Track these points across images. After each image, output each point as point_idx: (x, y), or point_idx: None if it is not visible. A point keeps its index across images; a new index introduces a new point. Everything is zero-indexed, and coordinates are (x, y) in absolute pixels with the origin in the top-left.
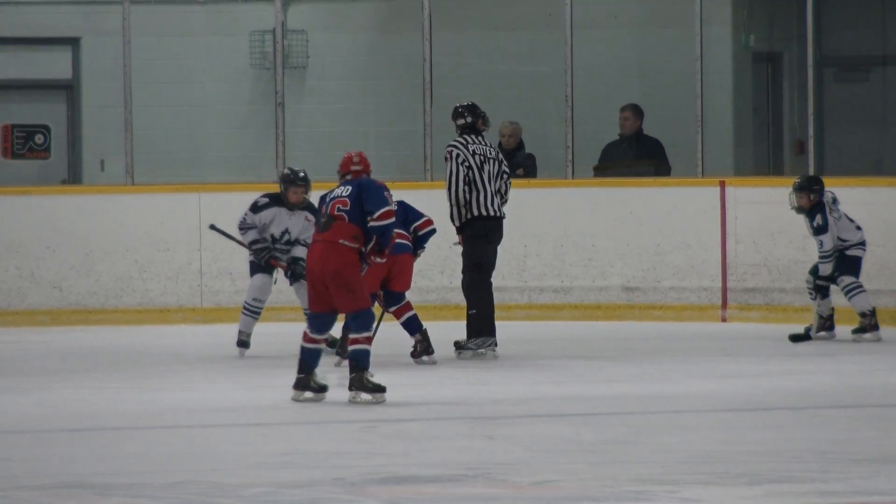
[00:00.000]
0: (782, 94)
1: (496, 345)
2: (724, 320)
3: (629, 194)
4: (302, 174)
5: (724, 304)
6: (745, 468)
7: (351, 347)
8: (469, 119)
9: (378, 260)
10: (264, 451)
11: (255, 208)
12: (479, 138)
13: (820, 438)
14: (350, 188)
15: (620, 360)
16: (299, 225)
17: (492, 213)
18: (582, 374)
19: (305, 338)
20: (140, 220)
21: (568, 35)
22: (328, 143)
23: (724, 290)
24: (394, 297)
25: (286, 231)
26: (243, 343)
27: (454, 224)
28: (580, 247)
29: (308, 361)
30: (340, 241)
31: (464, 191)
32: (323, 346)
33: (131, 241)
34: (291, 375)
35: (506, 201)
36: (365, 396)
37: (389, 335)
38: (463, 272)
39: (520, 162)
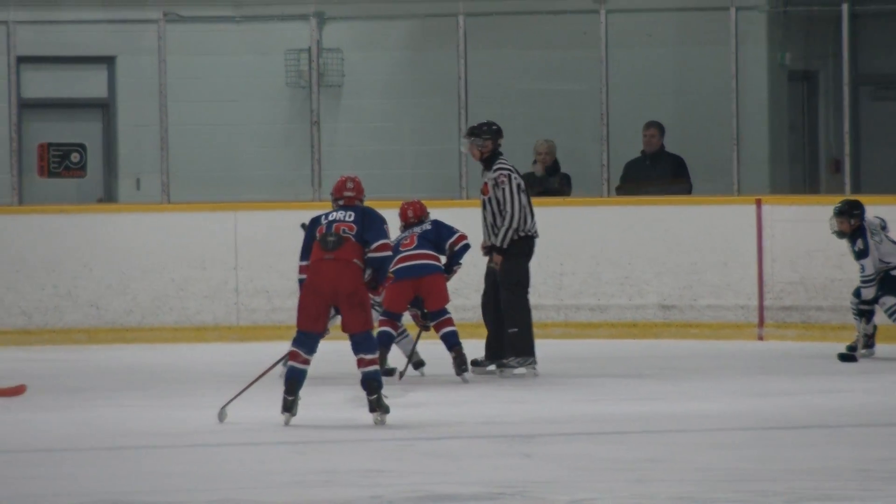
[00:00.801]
0: (818, 113)
1: (536, 363)
2: (760, 338)
3: (665, 213)
4: None
5: (761, 323)
6: (783, 486)
7: (366, 369)
8: (500, 141)
9: (373, 297)
10: (302, 470)
11: None
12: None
13: (858, 456)
14: (353, 214)
15: (657, 378)
16: None
17: (533, 233)
18: (618, 392)
19: (297, 358)
20: (176, 238)
21: (603, 53)
22: (364, 162)
23: (761, 308)
24: (434, 314)
25: None
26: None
27: (497, 245)
28: (616, 265)
29: (299, 382)
30: (354, 260)
31: (520, 218)
32: (308, 367)
33: (168, 260)
34: (331, 394)
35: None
36: (379, 418)
37: (427, 352)
38: (503, 290)
39: (556, 186)
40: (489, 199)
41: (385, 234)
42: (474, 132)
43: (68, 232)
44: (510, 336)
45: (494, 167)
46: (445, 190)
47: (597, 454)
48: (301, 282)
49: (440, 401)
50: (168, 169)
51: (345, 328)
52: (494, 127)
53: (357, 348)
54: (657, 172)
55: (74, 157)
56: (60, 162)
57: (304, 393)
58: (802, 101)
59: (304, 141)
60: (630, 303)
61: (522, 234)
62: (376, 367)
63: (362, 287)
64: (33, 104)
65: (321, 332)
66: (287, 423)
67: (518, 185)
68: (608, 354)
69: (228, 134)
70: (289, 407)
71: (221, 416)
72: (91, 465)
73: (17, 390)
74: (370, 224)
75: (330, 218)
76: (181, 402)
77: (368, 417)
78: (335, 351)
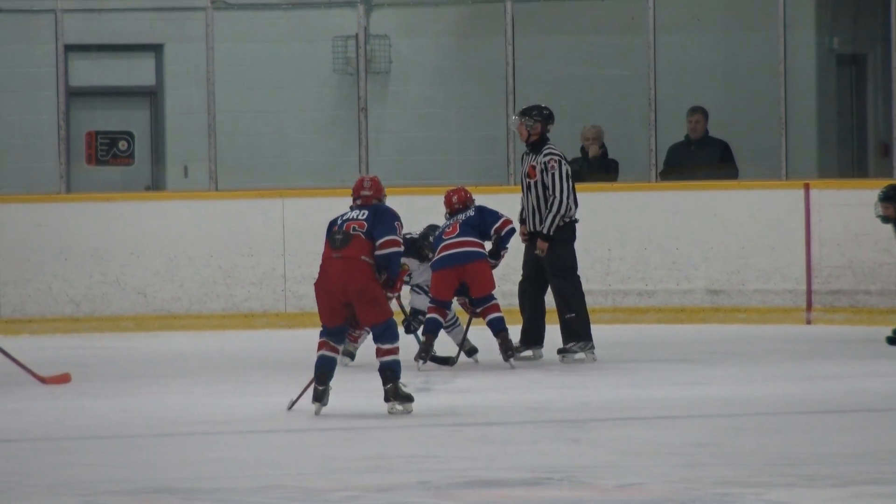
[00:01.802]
0: (866, 97)
1: (594, 347)
2: (808, 323)
3: (712, 197)
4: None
5: (809, 307)
6: (832, 470)
7: (383, 359)
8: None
9: (389, 294)
10: (349, 456)
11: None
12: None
13: None
14: (366, 213)
15: (705, 362)
16: (420, 269)
17: (576, 218)
18: (667, 376)
19: (325, 346)
20: (224, 225)
21: (651, 38)
22: (411, 148)
23: (809, 292)
24: (480, 300)
25: (409, 275)
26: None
27: (543, 232)
28: (664, 250)
29: (330, 370)
30: (362, 257)
31: (567, 205)
32: (338, 356)
33: (215, 247)
34: (376, 381)
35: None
36: (398, 407)
37: (476, 339)
38: (553, 276)
39: (604, 165)
40: (535, 183)
41: (393, 231)
42: (526, 112)
43: (116, 220)
44: (568, 322)
45: (544, 151)
46: (492, 176)
47: (645, 439)
48: None
49: (487, 387)
50: (216, 156)
51: (363, 324)
52: (546, 111)
53: (376, 339)
54: (702, 157)
55: (122, 145)
56: (108, 150)
57: (352, 380)
58: (850, 86)
59: (352, 127)
60: (678, 288)
61: (568, 219)
62: (394, 356)
63: (372, 283)
64: (81, 92)
65: (343, 324)
66: (318, 413)
67: (566, 172)
68: (656, 339)
69: (276, 121)
70: (319, 396)
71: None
72: (137, 452)
73: (63, 378)
74: (379, 220)
75: (344, 217)
76: (228, 389)
77: (415, 403)
78: None
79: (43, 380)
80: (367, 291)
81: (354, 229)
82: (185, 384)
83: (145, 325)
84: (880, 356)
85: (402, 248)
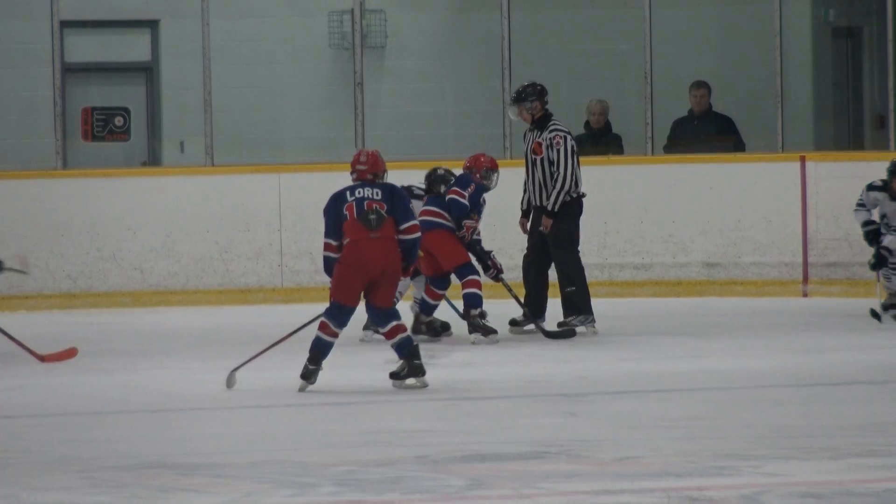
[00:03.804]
0: (862, 69)
1: (595, 320)
2: (805, 295)
3: (709, 170)
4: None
5: (805, 279)
6: (829, 442)
7: (392, 340)
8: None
9: (403, 277)
10: (347, 430)
11: (410, 193)
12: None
13: None
14: (381, 192)
15: (702, 335)
16: None
17: (583, 192)
18: (663, 350)
19: (326, 330)
20: (220, 201)
21: (647, 11)
22: (407, 123)
23: (805, 265)
24: (461, 270)
25: None
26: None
27: (549, 208)
28: (660, 223)
29: (325, 353)
30: (395, 237)
31: (572, 181)
32: (336, 340)
33: (211, 223)
34: (375, 355)
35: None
36: (415, 382)
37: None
38: (555, 250)
39: (608, 140)
40: (541, 160)
41: (413, 215)
42: (520, 97)
43: (112, 195)
44: (568, 295)
45: (550, 127)
46: (489, 150)
47: (642, 412)
48: (328, 259)
49: (485, 360)
50: (212, 132)
51: (374, 302)
52: (538, 87)
53: (386, 320)
54: (705, 132)
55: (118, 120)
56: (104, 126)
57: (348, 355)
58: (846, 58)
59: (348, 102)
60: (674, 261)
61: (574, 195)
62: (405, 333)
63: (399, 265)
64: (77, 68)
65: (354, 307)
66: (301, 390)
67: (572, 148)
68: (653, 313)
69: (272, 96)
70: (308, 375)
71: (230, 381)
72: (135, 428)
73: (66, 354)
74: (399, 204)
75: (357, 195)
76: (226, 364)
77: (411, 379)
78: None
79: (42, 358)
80: (398, 273)
81: (377, 208)
82: (182, 360)
83: (142, 301)
84: (876, 329)
85: (420, 234)
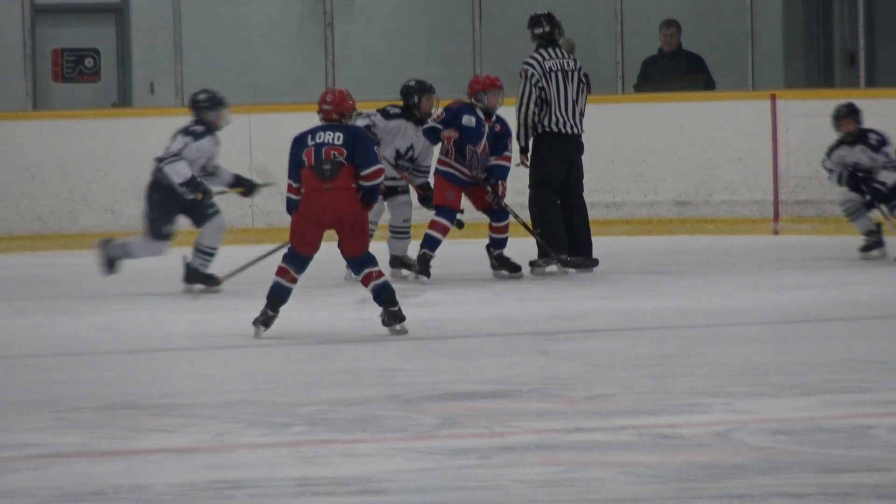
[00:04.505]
0: (832, 6)
1: (565, 263)
2: (776, 233)
3: (679, 109)
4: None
5: (776, 217)
6: (800, 379)
7: (376, 282)
8: (547, 28)
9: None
10: (319, 370)
11: (387, 115)
12: (556, 51)
13: (875, 348)
14: (342, 136)
15: (673, 274)
16: (422, 143)
17: (561, 129)
18: (635, 288)
19: (285, 275)
20: None
21: None
22: (378, 64)
23: (776, 202)
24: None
25: (411, 147)
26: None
27: (520, 144)
28: (631, 162)
29: (283, 299)
30: (351, 185)
31: (534, 112)
32: (295, 286)
33: None
34: (346, 295)
35: (582, 114)
36: (397, 328)
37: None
38: (529, 188)
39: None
40: None
41: (377, 159)
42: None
43: (82, 137)
44: (538, 237)
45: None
46: (460, 90)
47: (614, 350)
48: (289, 200)
49: (456, 300)
50: (182, 73)
51: (344, 252)
52: (532, 16)
53: (359, 268)
54: (675, 70)
55: (88, 62)
56: (74, 67)
57: (320, 295)
58: None
59: (318, 42)
60: (645, 199)
61: (546, 129)
62: (383, 279)
63: (363, 212)
64: (46, 9)
65: (312, 256)
66: (257, 336)
67: (535, 81)
68: (624, 251)
69: (242, 36)
70: (265, 321)
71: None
72: (108, 369)
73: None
74: (361, 149)
75: (317, 140)
76: (197, 305)
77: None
78: None
79: None
80: (360, 221)
81: (335, 156)
82: (154, 301)
83: None
84: (847, 266)
85: (383, 179)
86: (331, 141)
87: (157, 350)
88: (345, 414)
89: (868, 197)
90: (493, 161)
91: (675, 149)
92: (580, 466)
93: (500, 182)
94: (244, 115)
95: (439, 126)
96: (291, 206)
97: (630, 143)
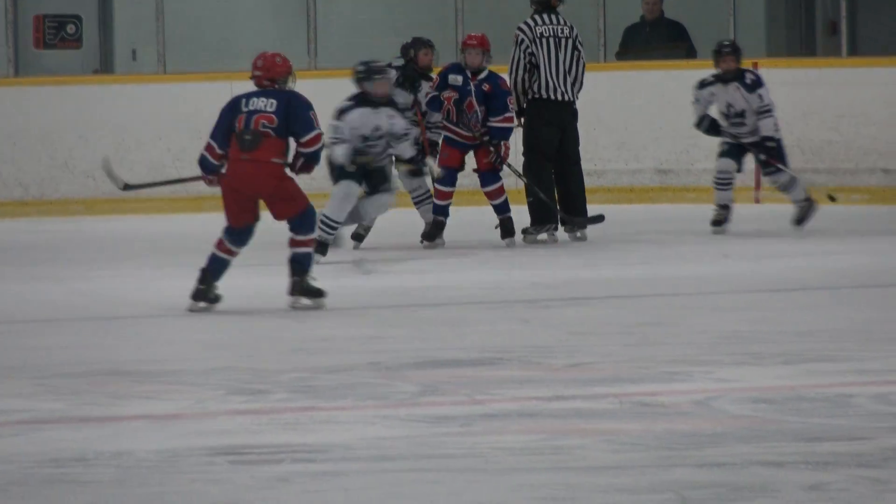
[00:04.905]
0: None
1: (556, 230)
2: (757, 201)
3: (661, 77)
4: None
5: (758, 186)
6: (781, 348)
7: (296, 250)
8: None
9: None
10: (301, 337)
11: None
12: (552, 17)
13: (856, 317)
14: (276, 103)
15: (655, 242)
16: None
17: (550, 96)
18: (617, 256)
19: (222, 247)
20: (172, 108)
21: None
22: (360, 31)
23: (758, 171)
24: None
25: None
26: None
27: (514, 109)
28: (612, 130)
29: (219, 272)
30: (272, 159)
31: (523, 79)
32: (233, 258)
33: (164, 130)
34: (329, 263)
35: (579, 83)
36: (305, 301)
37: (415, 221)
38: (522, 155)
39: None
40: None
41: (314, 125)
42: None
43: (64, 103)
44: (529, 205)
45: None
46: (443, 58)
47: (595, 318)
48: (205, 160)
49: (439, 267)
50: (164, 39)
51: (278, 218)
52: None
53: (292, 229)
54: (657, 38)
55: (70, 28)
56: (56, 33)
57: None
58: None
59: (300, 9)
60: (627, 167)
61: (536, 96)
62: (307, 249)
63: (285, 181)
64: None
65: (252, 223)
66: (190, 309)
67: (525, 48)
68: (606, 219)
69: (224, 3)
70: (200, 295)
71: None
72: (89, 335)
73: None
74: (296, 115)
75: (251, 107)
76: (179, 272)
77: (365, 285)
78: None
79: None
80: (279, 191)
81: (264, 125)
82: (135, 267)
83: (95, 209)
84: (828, 235)
85: (322, 144)
86: (263, 108)
87: (138, 316)
88: (326, 381)
89: (739, 170)
90: (492, 122)
91: (656, 117)
92: (561, 434)
93: (501, 143)
94: (225, 82)
95: (435, 92)
96: (206, 167)
97: (612, 112)
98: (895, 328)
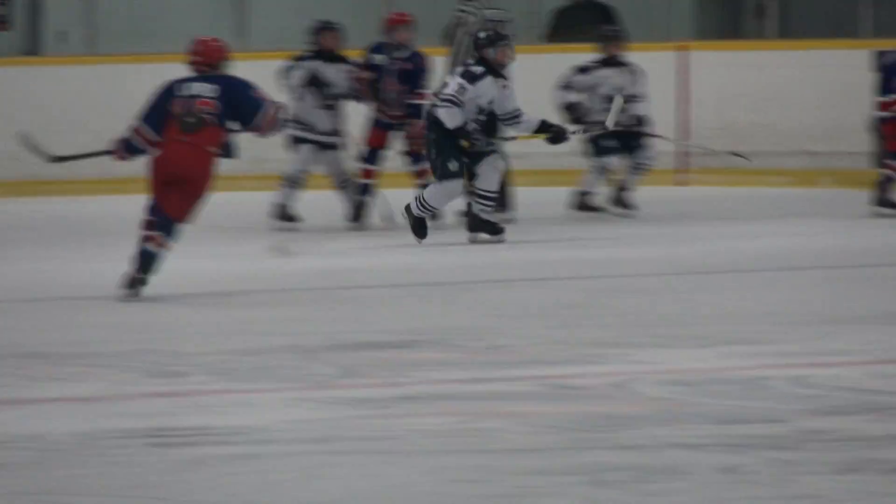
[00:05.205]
0: None
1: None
2: (684, 184)
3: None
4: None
5: (685, 168)
6: (699, 330)
7: (148, 245)
8: None
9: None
10: (219, 319)
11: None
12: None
13: (773, 300)
14: (218, 88)
15: (577, 224)
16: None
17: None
18: (539, 238)
19: (154, 242)
20: (101, 91)
21: None
22: (292, 11)
23: (679, 153)
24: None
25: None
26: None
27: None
28: (541, 112)
29: (152, 265)
30: (209, 147)
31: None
32: (163, 250)
33: (92, 113)
34: (248, 245)
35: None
36: (129, 291)
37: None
38: None
39: None
40: None
41: (262, 104)
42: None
43: None
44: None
45: None
46: (374, 38)
47: (516, 300)
48: (129, 142)
49: (358, 249)
50: (95, 21)
51: (168, 209)
52: None
53: (160, 227)
54: (587, 21)
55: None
56: None
57: (221, 245)
58: None
59: None
60: (553, 149)
61: None
62: (162, 248)
63: (208, 180)
64: None
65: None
66: (123, 299)
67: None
68: (529, 201)
69: None
70: (133, 284)
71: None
72: (7, 318)
73: None
74: (240, 98)
75: (192, 91)
76: (102, 254)
77: (287, 267)
78: (252, 201)
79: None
80: (198, 187)
81: (206, 112)
82: (57, 250)
83: (19, 191)
84: (754, 218)
85: (278, 111)
86: (202, 94)
87: (57, 298)
88: (244, 363)
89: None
90: (409, 99)
91: None
92: (479, 417)
93: (414, 121)
94: (157, 64)
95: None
96: (131, 149)
97: (540, 94)
98: (811, 311)
